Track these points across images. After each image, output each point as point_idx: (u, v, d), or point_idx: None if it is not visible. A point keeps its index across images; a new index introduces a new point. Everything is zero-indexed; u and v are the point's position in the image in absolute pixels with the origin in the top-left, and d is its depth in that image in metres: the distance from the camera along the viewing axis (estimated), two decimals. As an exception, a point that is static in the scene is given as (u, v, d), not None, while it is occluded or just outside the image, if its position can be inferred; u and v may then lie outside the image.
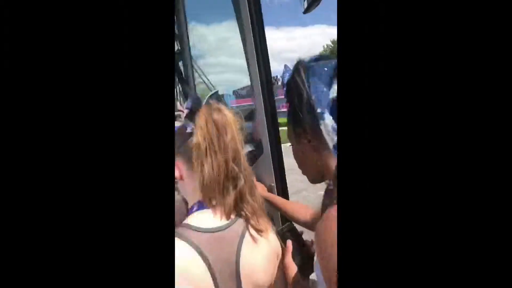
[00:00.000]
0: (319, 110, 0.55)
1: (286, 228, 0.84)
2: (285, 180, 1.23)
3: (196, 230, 0.58)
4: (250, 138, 1.19)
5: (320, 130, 0.55)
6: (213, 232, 0.59)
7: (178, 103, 0.66)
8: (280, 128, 1.20)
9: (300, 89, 0.57)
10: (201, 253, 0.56)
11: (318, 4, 0.90)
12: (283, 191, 1.21)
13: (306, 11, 0.93)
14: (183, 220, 0.60)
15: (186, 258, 0.55)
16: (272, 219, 0.89)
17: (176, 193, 0.94)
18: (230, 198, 0.61)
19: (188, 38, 1.73)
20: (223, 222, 0.61)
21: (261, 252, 0.65)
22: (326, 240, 0.49)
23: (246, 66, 1.22)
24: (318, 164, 0.60)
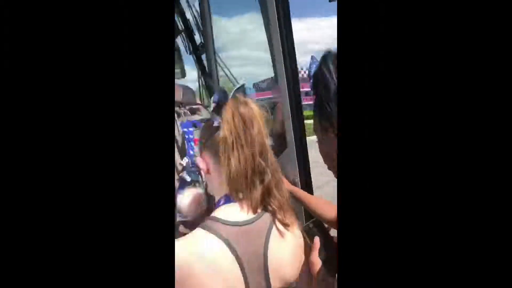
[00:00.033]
0: None
1: (313, 223, 0.83)
2: (310, 174, 1.21)
3: (224, 223, 0.58)
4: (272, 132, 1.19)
5: None
6: (241, 225, 0.59)
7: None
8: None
9: (327, 81, 0.55)
10: (229, 245, 0.56)
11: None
12: (307, 186, 1.20)
13: None
14: (203, 211, 0.60)
15: (214, 250, 0.56)
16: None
17: (197, 186, 0.95)
18: (257, 193, 0.61)
19: (212, 31, 1.74)
20: (250, 216, 0.61)
21: (288, 246, 0.64)
22: None
23: (267, 59, 1.20)
24: None
